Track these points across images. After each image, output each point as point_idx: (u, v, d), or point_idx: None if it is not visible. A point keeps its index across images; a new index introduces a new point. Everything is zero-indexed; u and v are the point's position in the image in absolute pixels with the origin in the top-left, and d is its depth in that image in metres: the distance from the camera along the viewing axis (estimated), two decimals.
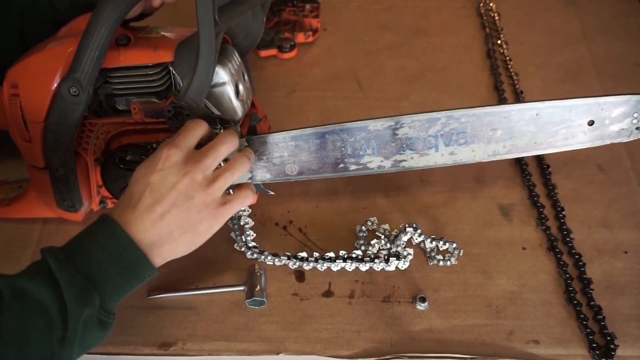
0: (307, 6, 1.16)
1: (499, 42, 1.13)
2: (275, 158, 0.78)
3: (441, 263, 0.80)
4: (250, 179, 0.79)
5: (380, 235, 0.84)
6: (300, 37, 1.13)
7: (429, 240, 0.82)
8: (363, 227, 0.84)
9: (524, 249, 0.83)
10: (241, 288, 0.78)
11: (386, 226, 0.84)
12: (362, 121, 0.76)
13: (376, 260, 0.80)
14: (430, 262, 0.81)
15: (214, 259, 0.82)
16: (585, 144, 0.77)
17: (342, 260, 0.80)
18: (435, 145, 0.77)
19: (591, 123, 0.76)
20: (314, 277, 0.81)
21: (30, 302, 0.57)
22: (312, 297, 0.79)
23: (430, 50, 1.13)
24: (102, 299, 0.60)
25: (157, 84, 0.74)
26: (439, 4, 1.22)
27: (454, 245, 0.82)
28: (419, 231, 0.82)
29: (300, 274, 0.81)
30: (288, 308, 0.77)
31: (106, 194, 0.82)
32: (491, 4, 1.20)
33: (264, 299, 0.76)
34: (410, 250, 0.80)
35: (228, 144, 0.68)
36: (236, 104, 0.76)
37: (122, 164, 0.78)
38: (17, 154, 0.80)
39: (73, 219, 0.82)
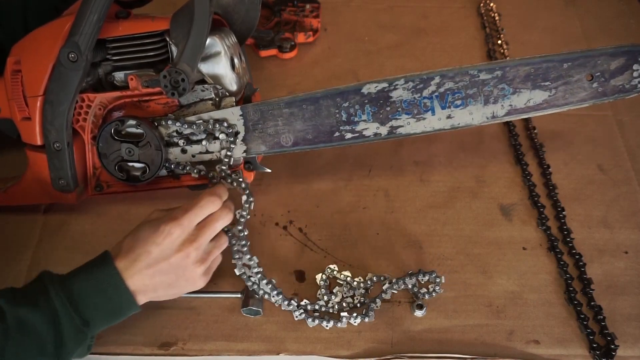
0: (308, 6, 1.16)
1: (499, 42, 1.13)
2: (270, 128, 0.78)
3: (427, 296, 0.77)
4: (244, 152, 0.79)
5: (341, 283, 0.79)
6: (301, 37, 1.12)
7: (407, 278, 0.76)
8: (323, 276, 0.79)
9: (524, 249, 0.83)
10: (238, 295, 0.78)
11: (347, 273, 0.80)
12: (356, 84, 0.76)
13: (342, 316, 0.75)
14: (419, 297, 0.77)
15: None
16: (586, 101, 0.76)
17: (307, 315, 0.75)
18: (431, 108, 0.76)
19: (590, 78, 0.75)
20: (315, 277, 0.81)
21: (32, 333, 0.63)
22: (313, 297, 0.79)
23: (430, 50, 1.13)
24: (92, 333, 0.67)
25: (154, 53, 0.76)
26: (439, 4, 1.21)
27: (434, 274, 0.77)
28: (386, 285, 0.77)
29: (300, 274, 0.81)
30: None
31: (103, 177, 0.82)
32: (491, 4, 1.20)
33: (260, 309, 0.76)
34: (378, 303, 0.76)
35: (224, 220, 0.73)
36: (232, 75, 0.77)
37: (118, 136, 0.78)
38: (17, 153, 0.80)
39: (68, 201, 0.82)
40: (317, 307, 0.77)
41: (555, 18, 1.18)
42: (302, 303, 0.77)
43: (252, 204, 0.76)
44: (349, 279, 0.80)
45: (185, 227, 0.69)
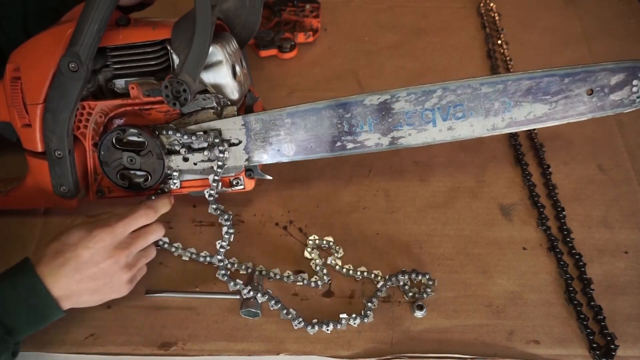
0: (308, 6, 1.16)
1: (499, 42, 1.13)
2: (272, 137, 0.78)
3: (417, 296, 0.77)
4: (246, 160, 0.79)
5: (333, 252, 0.82)
6: (301, 37, 1.12)
7: (400, 275, 0.77)
8: (330, 239, 0.83)
9: (524, 249, 0.83)
10: (237, 297, 0.77)
11: (340, 252, 0.82)
12: (358, 95, 0.76)
13: (342, 318, 0.75)
14: (408, 295, 0.78)
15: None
16: (585, 115, 0.76)
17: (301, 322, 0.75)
18: (432, 120, 0.76)
19: (590, 92, 0.75)
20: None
21: None
22: (313, 297, 0.79)
23: (430, 50, 1.13)
24: (16, 340, 0.66)
25: (155, 62, 0.76)
26: (439, 4, 1.21)
27: (427, 276, 0.77)
28: (380, 284, 0.77)
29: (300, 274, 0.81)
30: None
31: (104, 182, 0.82)
32: (491, 4, 1.20)
33: (259, 311, 0.75)
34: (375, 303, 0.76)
35: (156, 234, 0.75)
36: (233, 84, 0.77)
37: (119, 144, 0.78)
38: (17, 154, 0.80)
39: (68, 206, 0.82)
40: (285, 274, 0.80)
41: (555, 18, 1.18)
42: (273, 271, 0.80)
43: (232, 236, 0.76)
44: (340, 262, 0.81)
45: (118, 234, 0.71)
